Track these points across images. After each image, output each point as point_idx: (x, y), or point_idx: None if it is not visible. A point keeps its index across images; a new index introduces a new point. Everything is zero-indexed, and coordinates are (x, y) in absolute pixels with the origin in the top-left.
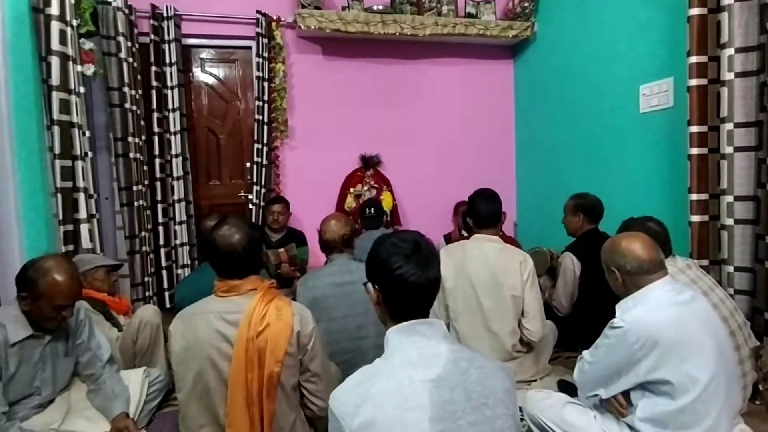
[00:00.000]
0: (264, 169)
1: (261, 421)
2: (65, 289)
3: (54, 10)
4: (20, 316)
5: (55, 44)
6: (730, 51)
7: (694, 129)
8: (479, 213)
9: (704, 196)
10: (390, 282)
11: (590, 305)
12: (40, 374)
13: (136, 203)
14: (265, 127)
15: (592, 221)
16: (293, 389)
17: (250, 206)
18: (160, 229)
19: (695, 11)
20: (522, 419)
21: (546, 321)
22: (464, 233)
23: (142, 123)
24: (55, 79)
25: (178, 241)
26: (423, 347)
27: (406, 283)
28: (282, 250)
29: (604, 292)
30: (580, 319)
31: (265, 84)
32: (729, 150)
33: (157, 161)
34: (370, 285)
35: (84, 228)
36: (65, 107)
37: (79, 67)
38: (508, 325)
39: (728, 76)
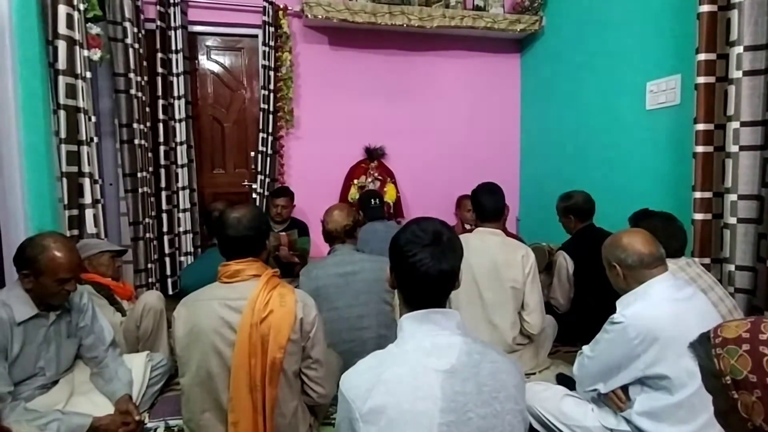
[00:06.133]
0: (268, 159)
1: (263, 406)
2: (66, 261)
3: None
4: (24, 296)
5: (62, 28)
6: (739, 49)
7: (701, 127)
8: (482, 206)
9: (708, 195)
10: (403, 269)
11: (587, 301)
12: (44, 354)
13: (140, 190)
14: (271, 117)
15: (584, 220)
16: (295, 376)
17: (254, 195)
18: (164, 216)
19: (705, 8)
20: None
21: (546, 315)
22: (467, 226)
23: (148, 110)
24: (61, 64)
25: (181, 229)
26: (436, 336)
27: (417, 273)
28: (283, 233)
29: (599, 288)
30: (579, 314)
31: (271, 73)
32: (734, 149)
33: (162, 148)
34: (388, 269)
35: (89, 213)
36: (72, 92)
37: (85, 52)
38: (508, 317)
39: (736, 74)
